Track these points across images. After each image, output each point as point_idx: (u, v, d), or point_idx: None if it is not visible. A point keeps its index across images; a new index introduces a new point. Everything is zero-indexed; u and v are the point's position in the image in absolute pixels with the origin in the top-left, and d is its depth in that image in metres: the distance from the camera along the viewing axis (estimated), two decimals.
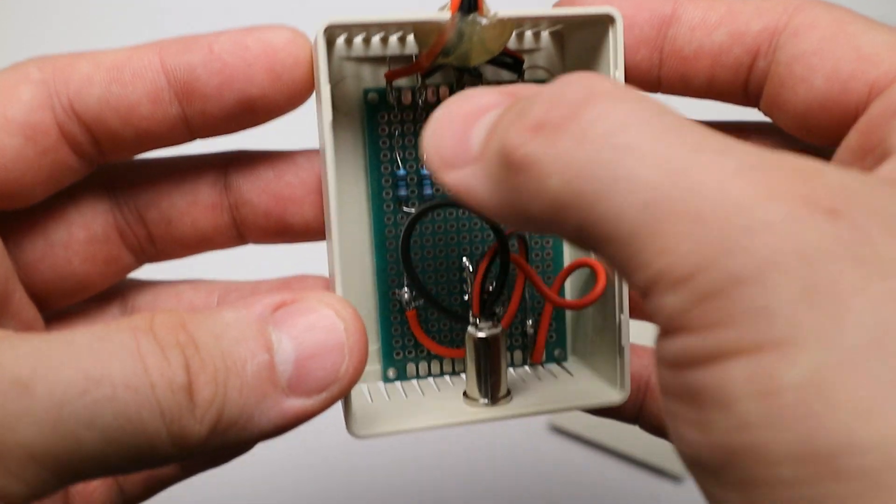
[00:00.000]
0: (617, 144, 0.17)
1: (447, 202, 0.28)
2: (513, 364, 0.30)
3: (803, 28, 0.25)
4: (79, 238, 0.27)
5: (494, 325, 0.27)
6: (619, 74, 0.25)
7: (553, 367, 0.30)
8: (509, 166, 0.18)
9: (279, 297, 0.23)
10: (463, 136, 0.21)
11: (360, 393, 0.29)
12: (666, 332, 0.17)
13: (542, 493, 0.45)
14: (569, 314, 0.31)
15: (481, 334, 0.27)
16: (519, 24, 0.26)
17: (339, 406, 0.25)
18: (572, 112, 0.18)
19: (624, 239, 0.17)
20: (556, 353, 0.31)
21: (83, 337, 0.19)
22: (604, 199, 0.17)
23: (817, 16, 0.25)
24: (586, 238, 0.18)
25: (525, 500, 0.45)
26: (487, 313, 0.27)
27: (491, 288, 0.27)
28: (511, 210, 0.19)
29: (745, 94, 0.27)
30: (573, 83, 0.18)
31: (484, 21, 0.25)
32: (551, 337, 0.30)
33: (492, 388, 0.27)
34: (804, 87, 0.25)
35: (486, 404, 0.27)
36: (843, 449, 0.14)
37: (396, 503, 0.45)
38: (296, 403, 0.21)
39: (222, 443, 0.21)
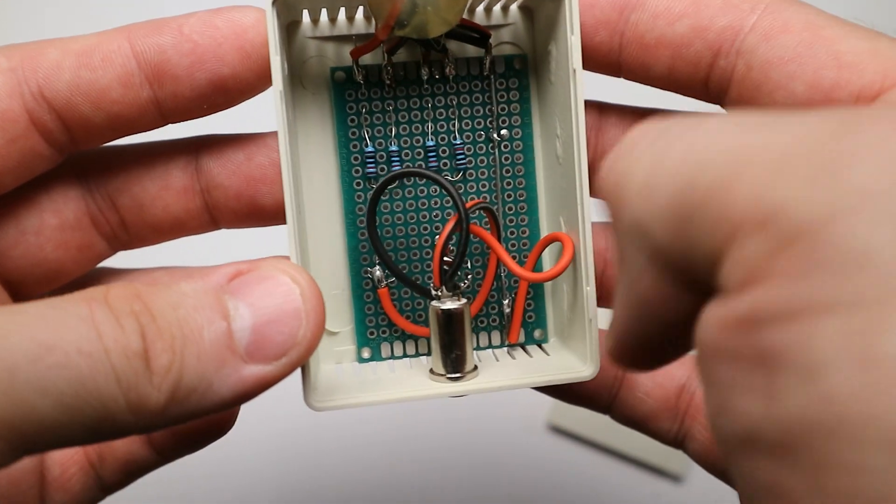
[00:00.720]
0: (689, 126, 0.16)
1: (408, 172, 0.27)
2: (490, 345, 0.30)
3: (775, 31, 0.25)
4: (50, 225, 0.27)
5: (458, 298, 0.27)
6: (576, 40, 0.25)
7: (532, 348, 0.30)
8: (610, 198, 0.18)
9: (235, 267, 0.23)
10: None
11: (330, 372, 0.28)
12: (738, 288, 0.14)
13: (542, 492, 0.44)
14: (548, 294, 0.30)
15: (443, 307, 0.26)
16: None
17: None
18: (643, 134, 0.17)
19: (700, 202, 0.15)
20: (537, 334, 0.30)
21: (35, 306, 0.20)
22: (678, 173, 0.15)
23: (788, 18, 0.25)
24: (672, 229, 0.16)
25: (524, 500, 0.44)
26: (450, 285, 0.27)
27: (447, 258, 0.27)
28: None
29: (705, 90, 0.26)
30: (637, 130, 0.18)
31: None
32: (530, 317, 0.30)
33: (455, 362, 0.26)
34: (783, 93, 0.24)
35: (451, 379, 0.26)
36: None
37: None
38: (255, 370, 0.21)
39: (183, 412, 0.20)
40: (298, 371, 0.23)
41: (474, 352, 0.29)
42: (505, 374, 0.27)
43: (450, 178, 0.29)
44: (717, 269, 0.15)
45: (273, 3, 0.24)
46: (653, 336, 0.19)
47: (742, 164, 0.14)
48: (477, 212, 0.28)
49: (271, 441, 0.44)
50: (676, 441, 0.29)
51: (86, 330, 0.19)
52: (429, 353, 0.29)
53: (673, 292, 0.17)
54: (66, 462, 0.28)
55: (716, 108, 0.27)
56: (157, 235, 0.29)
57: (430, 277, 0.29)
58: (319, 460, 0.44)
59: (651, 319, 0.18)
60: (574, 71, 0.25)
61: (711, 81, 0.26)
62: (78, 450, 0.28)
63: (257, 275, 0.22)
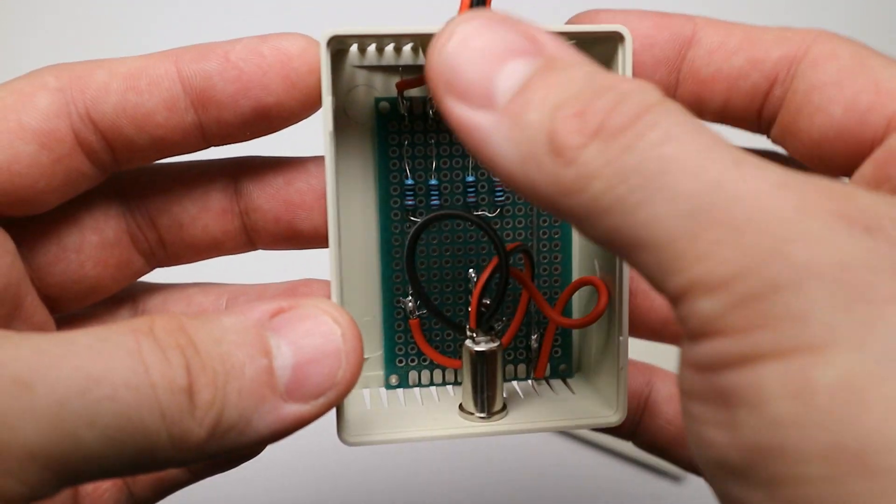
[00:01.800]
0: (664, 155, 0.17)
1: (453, 214, 0.27)
2: (516, 377, 0.30)
3: (822, 58, 0.25)
4: (91, 242, 0.27)
5: (492, 340, 0.27)
6: None
7: (556, 382, 0.30)
8: (553, 154, 0.18)
9: (276, 304, 0.23)
10: (485, 75, 0.20)
11: (358, 398, 0.29)
12: (697, 336, 0.17)
13: (542, 493, 0.45)
14: (574, 330, 0.30)
15: (478, 348, 0.27)
16: None
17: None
18: (630, 122, 0.18)
19: (661, 244, 0.17)
20: (562, 368, 0.30)
21: (84, 337, 0.19)
22: (645, 205, 0.17)
23: (836, 47, 0.25)
24: (615, 241, 0.18)
25: (525, 500, 0.45)
26: (485, 327, 0.27)
27: (488, 302, 0.27)
28: (529, 185, 0.19)
29: (758, 120, 0.27)
30: (634, 92, 0.19)
31: None
32: (556, 352, 0.30)
33: (487, 402, 0.27)
34: (821, 116, 0.25)
35: (481, 418, 0.27)
36: (873, 447, 0.14)
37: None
38: (293, 409, 0.21)
39: (220, 447, 0.20)
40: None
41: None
42: (535, 415, 0.27)
43: (487, 213, 0.29)
44: (671, 300, 0.18)
45: (328, 43, 0.24)
46: None
47: (699, 225, 0.17)
48: (519, 255, 0.29)
49: (294, 460, 0.44)
50: (697, 468, 0.30)
51: (133, 363, 0.19)
52: (455, 383, 0.30)
53: None
54: None
55: (763, 139, 0.27)
56: (195, 254, 0.29)
57: (462, 311, 0.29)
58: (333, 467, 0.45)
59: None
60: None
61: (765, 111, 0.26)
62: None
63: (299, 313, 0.23)
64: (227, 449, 0.21)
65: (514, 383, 0.30)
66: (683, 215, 0.17)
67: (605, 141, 0.18)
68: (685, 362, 0.18)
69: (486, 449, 0.45)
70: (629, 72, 0.25)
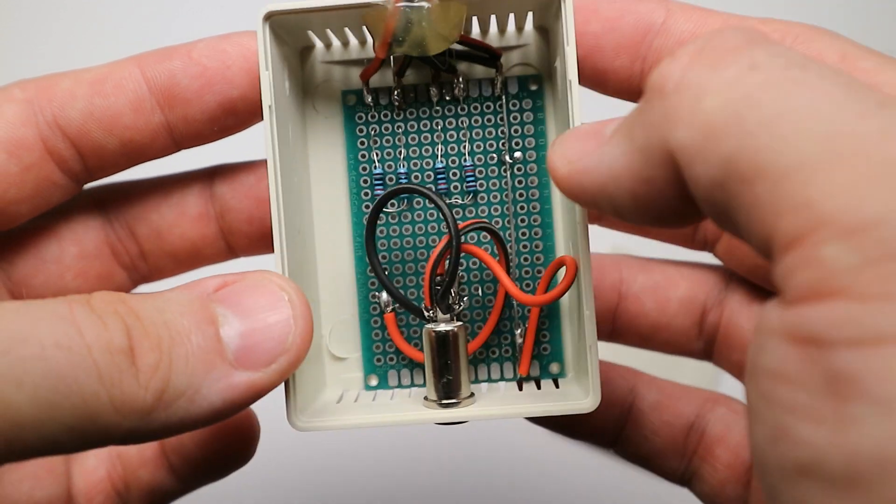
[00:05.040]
0: (793, 77, 0.15)
1: (405, 189, 0.26)
2: (503, 378, 0.28)
3: None
4: (71, 253, 0.27)
5: (452, 321, 0.26)
6: (570, 50, 0.24)
7: (546, 383, 0.28)
8: (661, 94, 0.17)
9: (221, 278, 0.23)
10: (593, 134, 0.20)
11: (334, 394, 0.28)
12: (809, 296, 0.14)
13: (542, 492, 0.42)
14: (566, 325, 0.28)
15: (436, 329, 0.25)
16: (468, 6, 0.25)
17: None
18: (738, 47, 0.16)
19: (784, 172, 0.14)
20: (553, 368, 0.28)
21: (11, 303, 0.19)
22: (771, 125, 0.15)
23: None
24: (733, 173, 0.15)
25: (524, 501, 0.42)
26: (444, 307, 0.26)
27: (438, 278, 0.26)
28: (645, 150, 0.17)
29: None
30: (729, 31, 0.17)
31: (427, 5, 0.24)
32: (545, 349, 0.28)
33: (447, 388, 0.25)
34: None
35: (443, 405, 0.25)
36: None
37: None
38: (244, 376, 0.21)
39: (170, 416, 0.20)
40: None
41: (484, 383, 0.28)
42: (500, 403, 0.25)
43: (460, 200, 0.28)
44: (771, 252, 0.14)
45: (266, 19, 0.25)
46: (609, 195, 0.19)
47: (842, 154, 0.14)
48: (485, 233, 0.27)
49: (289, 465, 0.44)
50: (683, 480, 0.27)
51: (63, 326, 0.19)
52: None
53: (666, 193, 0.17)
54: (90, 491, 0.28)
55: None
56: (176, 265, 0.29)
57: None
58: (315, 465, 0.44)
59: (621, 188, 0.18)
60: (570, 82, 0.24)
61: None
62: (103, 478, 0.28)
63: (245, 283, 0.22)
64: (180, 420, 0.20)
65: (502, 385, 0.28)
66: (819, 140, 0.14)
67: (711, 61, 0.16)
68: (780, 331, 0.14)
69: (484, 449, 0.43)
70: (571, 29, 0.24)
